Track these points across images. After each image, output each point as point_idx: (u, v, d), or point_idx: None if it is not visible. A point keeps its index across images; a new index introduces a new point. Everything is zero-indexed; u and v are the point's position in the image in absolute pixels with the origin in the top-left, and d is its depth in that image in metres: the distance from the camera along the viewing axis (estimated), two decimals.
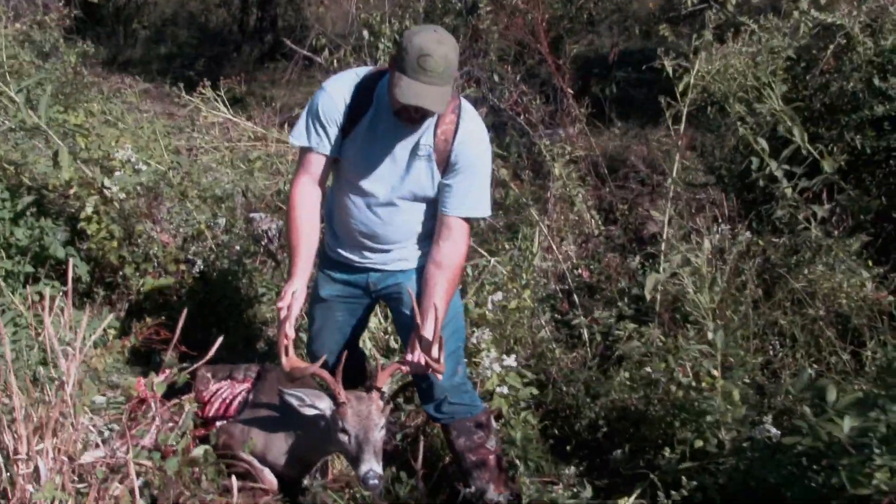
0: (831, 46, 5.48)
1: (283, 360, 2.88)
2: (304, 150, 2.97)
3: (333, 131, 2.91)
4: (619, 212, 5.65)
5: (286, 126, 6.87)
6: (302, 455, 3.20)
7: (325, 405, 2.95)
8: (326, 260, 3.25)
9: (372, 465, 2.80)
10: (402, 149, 2.91)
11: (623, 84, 9.37)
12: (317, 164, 2.98)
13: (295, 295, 2.92)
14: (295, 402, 2.95)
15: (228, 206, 5.13)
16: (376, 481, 2.79)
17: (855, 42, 5.38)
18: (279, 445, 3.20)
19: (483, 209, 3.00)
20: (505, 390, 3.68)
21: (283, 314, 2.92)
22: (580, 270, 5.02)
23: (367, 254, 3.11)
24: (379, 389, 2.95)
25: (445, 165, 2.92)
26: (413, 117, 2.80)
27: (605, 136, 7.87)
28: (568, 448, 3.74)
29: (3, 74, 4.53)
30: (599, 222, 5.46)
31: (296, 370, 2.89)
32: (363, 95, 2.89)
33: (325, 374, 2.89)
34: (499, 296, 4.07)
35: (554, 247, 4.93)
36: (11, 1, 9.18)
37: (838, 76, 5.51)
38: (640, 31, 10.31)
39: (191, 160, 5.72)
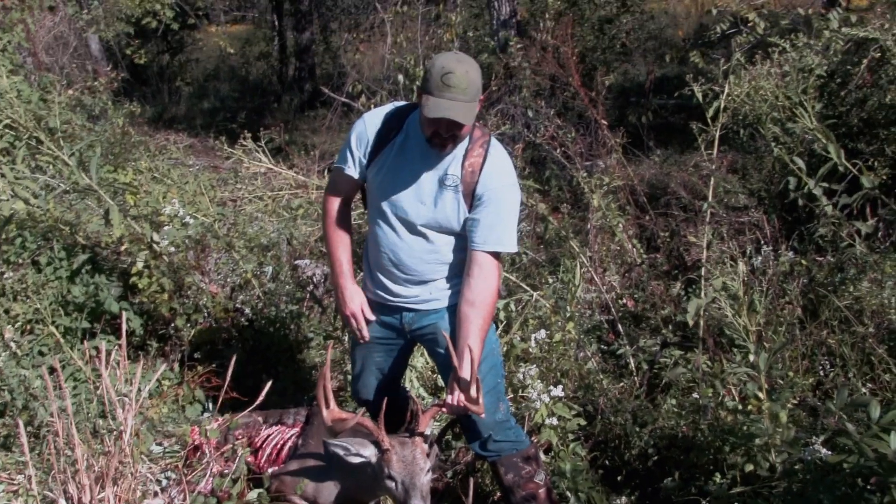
0: (865, 61, 5.46)
1: (325, 413, 2.90)
2: (337, 170, 3.12)
3: (362, 154, 3.02)
4: (661, 239, 5.65)
5: (326, 172, 7.02)
6: (352, 497, 3.21)
7: (370, 452, 2.93)
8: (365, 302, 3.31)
9: None
10: (430, 177, 2.96)
11: (660, 111, 9.40)
12: (343, 183, 3.14)
13: (358, 297, 3.18)
14: (340, 453, 2.95)
15: (274, 255, 5.20)
16: None
17: (890, 55, 5.35)
18: (330, 490, 3.21)
19: (510, 243, 2.99)
20: (553, 421, 3.69)
21: (356, 318, 3.16)
22: (624, 300, 5.02)
23: (397, 288, 3.13)
24: (422, 434, 2.95)
25: (472, 199, 2.94)
26: (444, 141, 2.85)
27: (645, 165, 7.90)
28: (619, 478, 3.73)
29: (58, 139, 4.70)
30: (642, 251, 5.45)
31: (337, 423, 2.91)
32: (394, 122, 3.00)
33: (369, 422, 2.90)
34: (542, 333, 4.09)
35: (596, 278, 4.92)
36: (65, 69, 9.59)
37: (875, 90, 5.48)
38: (675, 58, 10.33)
39: (236, 211, 5.84)
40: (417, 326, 3.19)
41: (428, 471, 2.90)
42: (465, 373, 2.92)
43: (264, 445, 3.38)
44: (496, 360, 3.24)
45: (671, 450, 3.75)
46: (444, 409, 3.00)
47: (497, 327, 4.32)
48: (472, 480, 3.57)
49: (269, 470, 3.29)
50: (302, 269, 4.98)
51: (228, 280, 4.80)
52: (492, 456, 3.24)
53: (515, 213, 3.04)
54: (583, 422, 3.84)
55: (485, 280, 2.97)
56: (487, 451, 3.23)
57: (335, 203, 3.17)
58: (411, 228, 3.01)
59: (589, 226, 5.24)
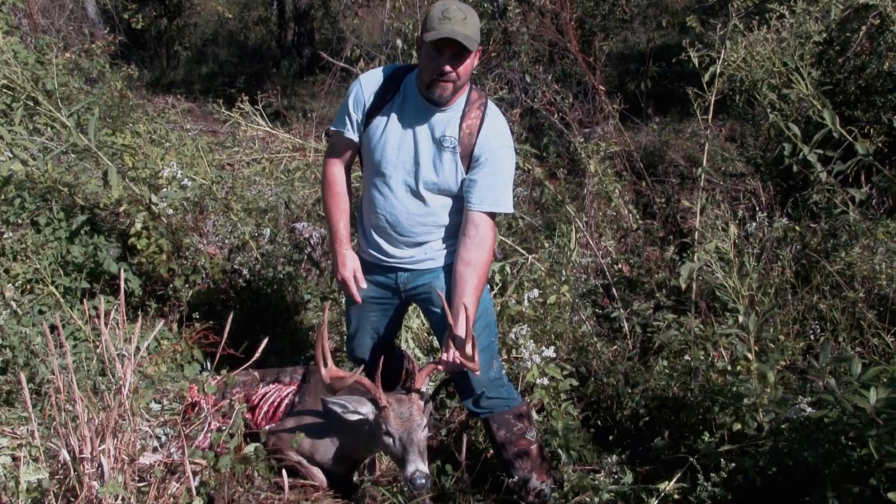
0: (864, 28, 5.44)
1: (323, 371, 2.92)
2: (336, 134, 3.11)
3: (359, 117, 3.02)
4: (657, 206, 5.68)
5: (324, 137, 6.98)
6: (349, 454, 3.26)
7: (367, 410, 2.97)
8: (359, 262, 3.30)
9: (418, 466, 2.83)
10: (427, 138, 2.97)
11: (659, 79, 9.36)
12: (343, 147, 3.13)
13: (352, 262, 3.19)
14: (338, 410, 2.99)
15: (272, 217, 5.22)
16: (423, 481, 2.81)
17: (889, 22, 5.33)
18: (326, 446, 3.25)
19: (506, 204, 3.03)
20: (545, 382, 3.73)
21: (348, 283, 3.17)
22: (620, 265, 5.04)
23: (392, 249, 3.15)
24: (418, 391, 2.99)
25: (469, 160, 2.96)
26: (446, 79, 2.83)
27: (643, 133, 7.89)
28: (610, 438, 3.78)
29: (56, 101, 4.69)
30: (638, 217, 5.46)
31: (335, 381, 2.93)
32: (391, 83, 3.01)
33: (366, 380, 2.93)
34: (535, 292, 4.12)
35: (592, 243, 4.96)
36: (62, 32, 9.53)
37: (873, 57, 5.46)
38: (675, 25, 10.26)
39: (233, 174, 5.83)
40: (412, 286, 3.22)
41: (424, 427, 2.94)
42: (461, 330, 2.95)
43: (261, 403, 3.44)
44: (490, 318, 3.26)
45: (662, 410, 3.80)
46: (440, 367, 3.03)
47: (492, 289, 4.36)
48: (465, 438, 3.66)
49: (266, 426, 3.34)
50: (299, 232, 5.00)
51: (226, 242, 4.81)
52: (484, 413, 3.28)
53: (511, 175, 3.06)
54: (575, 382, 3.89)
55: (481, 240, 3.01)
56: (480, 407, 3.27)
57: (334, 168, 3.17)
58: (408, 190, 3.02)
59: (585, 191, 5.25)
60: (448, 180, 3.00)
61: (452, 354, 2.97)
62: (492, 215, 3.03)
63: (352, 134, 3.06)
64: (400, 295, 3.27)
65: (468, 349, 2.93)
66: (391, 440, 2.92)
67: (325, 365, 2.92)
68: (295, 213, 5.50)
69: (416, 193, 3.03)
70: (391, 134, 2.98)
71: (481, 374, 3.13)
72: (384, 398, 2.93)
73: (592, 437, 3.77)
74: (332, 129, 3.10)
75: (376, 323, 3.36)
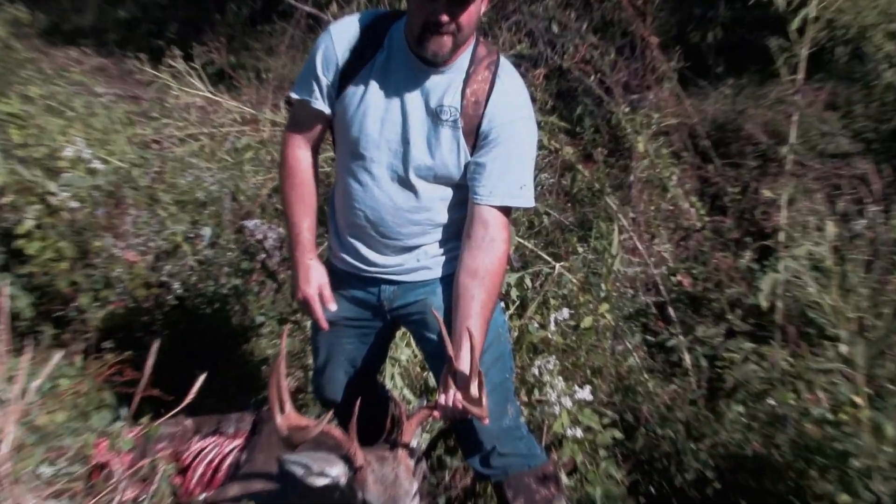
0: None
1: (279, 419, 2.86)
2: (299, 104, 3.10)
3: (330, 80, 3.01)
4: (729, 197, 5.61)
5: (284, 106, 6.83)
6: None
7: (338, 471, 2.91)
8: (330, 272, 3.30)
9: None
10: (420, 109, 2.96)
11: (732, 27, 9.29)
12: (308, 120, 3.12)
13: (317, 275, 3.17)
14: (299, 472, 2.91)
15: (213, 213, 5.20)
16: None
17: None
18: None
19: (525, 196, 3.02)
20: (578, 433, 3.71)
21: (313, 302, 3.16)
22: (678, 277, 5.01)
23: (375, 256, 3.17)
24: (407, 446, 2.94)
25: (476, 136, 2.96)
26: (440, 31, 2.82)
27: (711, 98, 7.83)
28: None
29: None
30: (703, 211, 5.42)
31: (295, 432, 2.86)
32: (372, 36, 2.99)
33: (336, 431, 2.88)
34: (565, 313, 4.12)
35: (641, 247, 4.93)
36: None
37: None
38: None
39: (162, 155, 5.81)
40: (401, 304, 3.22)
41: (415, 495, 2.89)
42: (464, 364, 2.93)
43: (196, 463, 3.43)
44: (504, 348, 3.27)
45: (737, 473, 3.77)
46: (435, 414, 2.99)
47: (507, 308, 4.35)
48: None
49: (202, 496, 3.31)
50: (250, 232, 5.02)
51: (151, 245, 4.79)
52: (496, 475, 3.28)
53: (532, 157, 3.07)
54: (619, 434, 3.87)
55: (491, 243, 3.00)
56: (491, 468, 3.26)
57: (297, 149, 3.17)
58: (395, 178, 3.04)
59: (632, 178, 5.26)
60: (447, 164, 3.00)
61: (453, 396, 2.93)
62: (506, 211, 3.03)
63: (320, 103, 3.05)
64: (384, 315, 3.28)
65: (474, 389, 2.90)
66: None
67: (283, 410, 2.87)
68: (244, 206, 5.50)
69: (405, 182, 3.03)
70: (372, 103, 2.98)
71: (491, 423, 3.10)
72: (361, 455, 2.88)
73: None
74: (294, 96, 3.09)
75: (352, 353, 3.37)
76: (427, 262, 3.17)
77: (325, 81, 3.01)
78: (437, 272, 3.18)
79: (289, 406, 2.88)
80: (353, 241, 3.18)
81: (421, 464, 3.01)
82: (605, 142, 5.91)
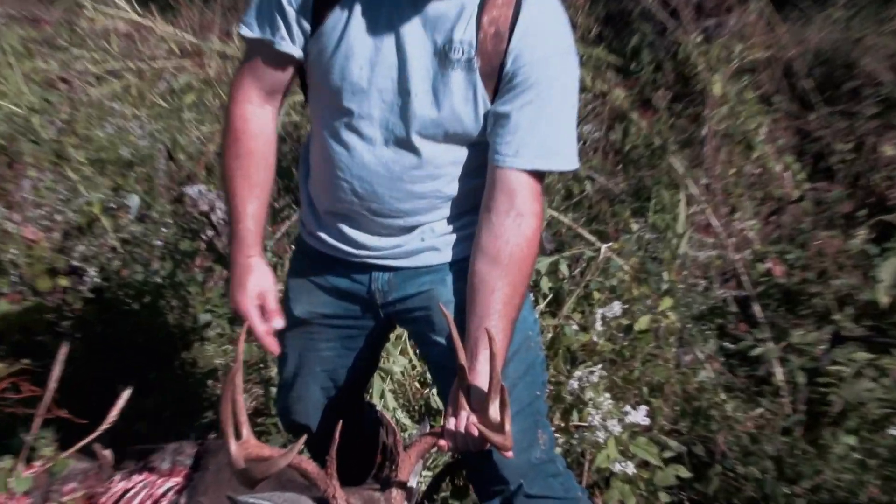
0: None
1: (233, 447, 2.74)
2: (254, 44, 3.00)
3: (299, 7, 2.90)
4: (839, 157, 5.65)
5: (237, 35, 7.01)
6: None
7: None
8: (303, 253, 3.29)
9: None
10: (422, 45, 2.85)
11: None
12: (268, 65, 3.01)
13: (257, 279, 3.03)
14: None
15: (142, 176, 5.19)
16: None
17: None
18: None
19: (565, 156, 2.92)
20: (630, 469, 3.67)
21: (250, 317, 3.01)
22: (767, 263, 5.03)
23: (367, 238, 3.11)
24: (403, 485, 2.84)
25: (497, 80, 2.86)
26: None
27: (814, 25, 7.77)
28: None
29: None
30: (802, 177, 5.46)
31: (254, 466, 2.76)
32: None
33: (310, 464, 2.77)
34: (616, 308, 4.07)
35: (717, 223, 4.93)
36: None
37: None
38: None
39: (72, 98, 5.80)
40: (398, 296, 3.16)
41: None
42: (481, 379, 2.85)
43: None
44: (534, 357, 3.21)
45: None
46: (441, 444, 2.90)
47: (536, 303, 4.34)
48: None
49: None
50: (192, 201, 4.99)
51: (58, 219, 4.81)
52: None
53: (572, 103, 2.97)
54: (686, 473, 3.87)
55: (517, 219, 2.91)
56: None
57: (246, 103, 3.05)
58: (392, 140, 2.96)
59: (705, 131, 5.23)
60: (461, 118, 2.90)
61: (466, 420, 2.85)
62: (538, 176, 2.93)
63: (287, 44, 2.94)
64: (376, 311, 3.21)
65: (494, 411, 2.78)
66: None
67: (238, 436, 2.75)
68: (185, 168, 5.49)
69: (404, 144, 2.94)
70: (358, 42, 2.87)
71: (517, 456, 2.98)
72: (342, 497, 2.76)
73: None
74: (247, 33, 2.99)
75: (332, 362, 3.32)
76: (434, 241, 3.09)
77: (291, 12, 2.91)
78: (448, 255, 3.11)
79: (246, 430, 2.76)
80: (334, 218, 3.13)
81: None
82: (670, 83, 5.93)
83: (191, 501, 3.28)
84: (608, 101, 4.98)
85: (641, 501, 3.80)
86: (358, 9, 2.86)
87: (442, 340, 3.08)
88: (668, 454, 3.85)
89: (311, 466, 2.74)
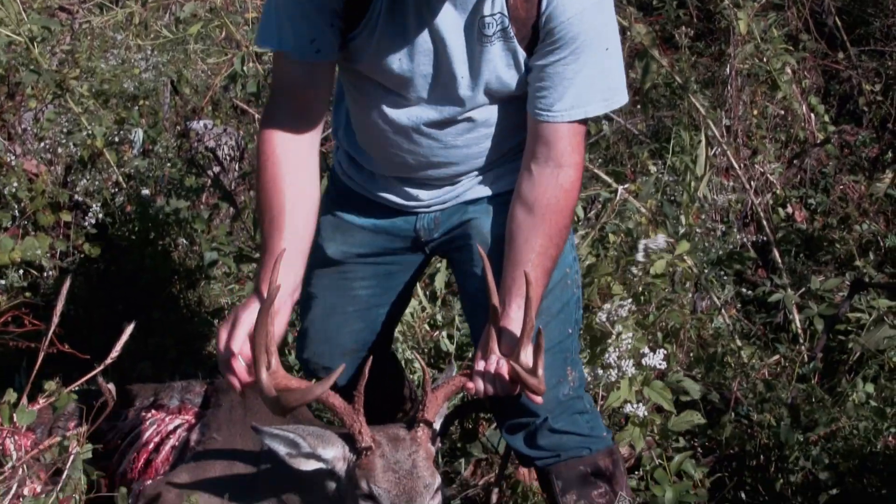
0: None
1: (263, 376, 2.74)
2: (283, 60, 2.97)
3: (325, 19, 2.87)
4: (867, 98, 5.67)
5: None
6: None
7: (334, 453, 2.85)
8: (338, 192, 3.34)
9: None
10: (455, 27, 2.88)
11: None
12: (303, 80, 2.96)
13: (248, 324, 2.86)
14: (282, 451, 2.83)
15: (146, 109, 5.17)
16: None
17: None
18: None
19: (606, 99, 2.99)
20: (642, 412, 3.65)
21: (227, 366, 2.88)
22: (788, 208, 5.09)
23: (419, 192, 3.22)
24: (429, 424, 2.86)
25: (533, 38, 2.89)
26: None
27: None
28: None
29: None
30: (827, 119, 5.45)
31: (288, 394, 2.77)
32: None
33: (337, 399, 2.79)
34: (660, 241, 4.15)
35: (738, 165, 4.93)
36: None
37: None
38: None
39: (74, 28, 5.76)
40: (444, 230, 3.28)
41: (437, 490, 2.81)
42: (514, 324, 2.88)
43: (125, 444, 3.39)
44: (569, 295, 3.27)
45: (863, 476, 3.77)
46: (469, 386, 2.92)
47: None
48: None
49: (136, 485, 3.25)
50: (197, 136, 5.04)
51: (60, 152, 4.76)
52: (545, 458, 3.25)
53: (615, 47, 2.99)
54: (701, 419, 3.88)
55: (556, 170, 2.97)
56: (538, 448, 3.23)
57: (280, 138, 2.95)
58: (444, 116, 3.06)
59: (728, 70, 5.23)
60: (505, 82, 2.99)
61: (496, 363, 2.86)
62: (578, 126, 2.99)
63: (325, 52, 2.92)
64: (421, 248, 3.34)
65: (524, 356, 2.79)
66: None
67: (269, 366, 2.76)
68: (190, 101, 5.50)
69: (456, 116, 3.07)
70: (387, 35, 2.91)
71: (546, 392, 2.99)
72: (368, 434, 2.78)
73: None
74: (269, 48, 3.06)
75: (367, 301, 3.41)
76: (481, 177, 3.23)
77: (322, 19, 2.89)
78: (492, 188, 3.23)
79: (275, 361, 2.80)
80: (383, 175, 3.25)
81: (436, 444, 3.00)
82: (693, 19, 5.96)
83: (203, 438, 3.26)
84: (628, 37, 4.95)
85: (654, 449, 3.79)
86: (385, 3, 2.86)
87: (479, 272, 3.08)
88: (684, 399, 3.86)
89: (338, 401, 2.81)
